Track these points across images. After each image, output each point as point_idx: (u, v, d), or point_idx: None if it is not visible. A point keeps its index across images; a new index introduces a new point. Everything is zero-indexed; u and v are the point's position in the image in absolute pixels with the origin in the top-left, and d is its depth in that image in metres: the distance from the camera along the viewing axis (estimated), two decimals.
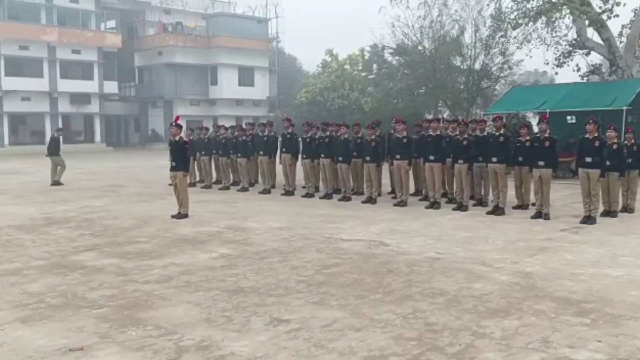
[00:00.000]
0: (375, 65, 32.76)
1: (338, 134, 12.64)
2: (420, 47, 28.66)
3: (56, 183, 16.02)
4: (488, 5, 25.24)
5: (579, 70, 24.08)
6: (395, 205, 11.44)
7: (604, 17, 20.42)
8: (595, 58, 24.56)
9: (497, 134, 10.69)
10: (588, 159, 9.65)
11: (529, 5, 22.31)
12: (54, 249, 7.88)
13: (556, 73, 24.86)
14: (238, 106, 44.81)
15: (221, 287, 5.92)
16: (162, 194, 13.91)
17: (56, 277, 6.41)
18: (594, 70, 23.93)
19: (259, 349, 4.31)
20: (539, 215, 9.98)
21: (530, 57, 25.06)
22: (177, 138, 10.37)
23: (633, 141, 10.88)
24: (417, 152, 11.87)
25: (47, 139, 37.57)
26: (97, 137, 40.91)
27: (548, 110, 16.92)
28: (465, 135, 11.16)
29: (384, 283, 6.03)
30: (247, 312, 5.12)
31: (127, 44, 43.02)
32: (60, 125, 33.44)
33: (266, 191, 13.86)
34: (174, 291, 5.81)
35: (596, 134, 9.78)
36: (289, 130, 13.65)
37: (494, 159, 10.57)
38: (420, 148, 11.73)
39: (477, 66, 27.57)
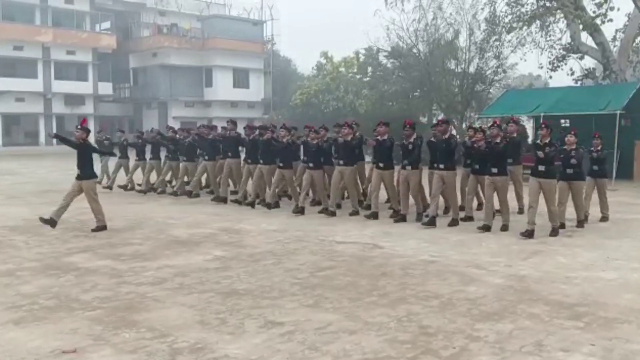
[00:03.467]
0: (370, 68, 32.77)
1: (277, 137, 11.48)
2: (415, 50, 28.70)
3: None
4: (482, 9, 25.31)
5: (573, 74, 24.20)
6: (395, 220, 10.08)
7: (598, 21, 20.51)
8: (589, 62, 24.71)
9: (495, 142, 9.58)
10: (541, 167, 8.80)
11: (523, 9, 22.40)
12: (48, 250, 7.85)
13: (550, 77, 24.96)
14: (233, 108, 44.78)
15: (215, 289, 5.91)
16: (154, 195, 13.88)
17: (50, 278, 6.38)
18: (588, 74, 24.04)
19: (253, 351, 4.31)
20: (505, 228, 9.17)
21: (525, 60, 25.26)
22: (91, 142, 9.39)
23: (600, 148, 10.22)
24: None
25: (42, 139, 37.90)
26: (92, 138, 40.71)
27: (542, 114, 17.02)
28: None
29: (378, 286, 6.04)
30: (241, 315, 5.11)
31: (122, 45, 42.97)
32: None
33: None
34: (168, 293, 5.80)
35: (548, 140, 8.90)
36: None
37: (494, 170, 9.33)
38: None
39: (472, 69, 27.62)
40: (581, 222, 9.56)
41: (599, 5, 20.80)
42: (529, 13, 22.01)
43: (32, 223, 10.04)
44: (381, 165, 10.29)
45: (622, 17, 22.11)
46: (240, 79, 45.10)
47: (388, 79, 30.11)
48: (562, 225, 9.19)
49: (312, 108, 37.25)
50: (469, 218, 9.98)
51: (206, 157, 13.16)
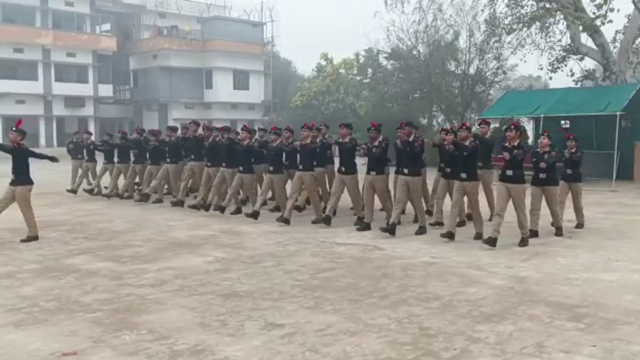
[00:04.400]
0: (370, 70, 32.81)
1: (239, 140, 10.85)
2: (415, 52, 28.73)
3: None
4: (482, 10, 25.36)
5: (572, 75, 24.20)
6: (359, 229, 9.40)
7: (598, 22, 20.51)
8: (589, 63, 24.69)
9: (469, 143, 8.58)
10: (509, 172, 8.11)
11: (523, 11, 22.43)
12: (48, 252, 7.85)
13: (550, 78, 24.96)
14: (233, 110, 44.80)
15: (215, 291, 5.90)
16: (153, 196, 13.87)
17: (50, 280, 6.37)
18: (588, 75, 24.05)
19: (253, 353, 4.30)
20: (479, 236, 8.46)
21: (525, 62, 25.33)
22: (26, 145, 8.70)
23: (574, 150, 9.53)
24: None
25: (43, 141, 37.88)
26: (92, 139, 40.73)
27: (542, 115, 17.03)
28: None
29: (378, 287, 6.03)
30: (241, 317, 5.11)
31: (122, 47, 42.98)
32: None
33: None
34: (168, 295, 5.80)
35: (517, 142, 8.21)
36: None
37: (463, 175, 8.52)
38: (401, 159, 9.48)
39: (472, 71, 27.66)
40: (559, 230, 9.01)
41: (599, 7, 20.80)
42: (528, 14, 22.03)
43: None
44: (342, 169, 9.70)
45: (622, 19, 22.13)
46: (241, 80, 45.10)
47: (388, 81, 30.15)
48: (535, 234, 8.62)
49: (312, 110, 37.29)
50: (438, 223, 9.54)
51: (168, 160, 12.54)
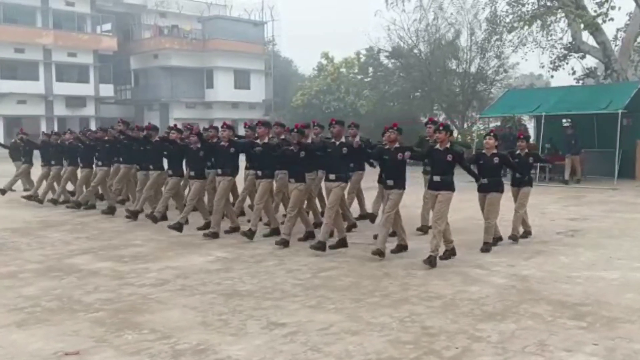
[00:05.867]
0: (371, 69, 32.80)
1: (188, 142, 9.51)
2: (416, 51, 28.72)
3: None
4: (483, 8, 25.36)
5: (574, 73, 24.19)
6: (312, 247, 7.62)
7: (599, 20, 20.48)
8: (590, 61, 24.70)
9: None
10: (436, 178, 7.09)
11: (524, 9, 22.39)
12: (50, 252, 7.85)
13: (552, 76, 24.92)
14: (234, 109, 44.82)
15: (217, 291, 5.90)
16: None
17: (52, 280, 6.38)
18: (589, 73, 24.02)
19: (255, 352, 4.30)
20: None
21: (526, 60, 25.31)
22: None
23: (527, 151, 8.53)
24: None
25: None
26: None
27: (544, 114, 17.01)
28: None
29: (380, 286, 6.03)
30: (243, 316, 5.11)
31: (123, 47, 43.00)
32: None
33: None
34: (170, 295, 5.80)
35: (448, 145, 7.11)
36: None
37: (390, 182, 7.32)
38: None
39: (473, 69, 27.66)
40: (514, 237, 8.16)
41: (600, 5, 20.79)
42: (530, 13, 22.00)
43: (34, 225, 10.06)
44: (258, 173, 8.54)
45: (623, 16, 22.11)
46: (241, 80, 45.12)
47: (389, 80, 30.15)
48: (496, 241, 7.90)
49: (313, 109, 37.26)
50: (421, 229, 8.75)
51: (99, 163, 11.36)
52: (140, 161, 10.47)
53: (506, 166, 8.12)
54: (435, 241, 6.85)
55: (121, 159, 11.04)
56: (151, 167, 10.14)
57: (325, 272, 6.61)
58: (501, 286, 6.02)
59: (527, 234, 8.58)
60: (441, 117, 31.19)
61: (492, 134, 7.99)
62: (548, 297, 5.63)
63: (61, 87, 39.12)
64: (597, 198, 13.33)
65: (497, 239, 8.03)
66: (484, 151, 7.86)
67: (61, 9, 39.47)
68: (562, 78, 24.68)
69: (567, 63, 23.82)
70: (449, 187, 7.03)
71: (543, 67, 24.40)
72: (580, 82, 24.20)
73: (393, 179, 7.25)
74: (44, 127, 38.56)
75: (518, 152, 8.47)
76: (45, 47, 38.41)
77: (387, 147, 7.39)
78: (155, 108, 43.84)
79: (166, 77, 42.57)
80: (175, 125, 10.48)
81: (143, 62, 43.98)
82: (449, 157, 6.99)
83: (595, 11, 20.80)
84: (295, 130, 8.09)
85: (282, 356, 4.23)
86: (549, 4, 21.98)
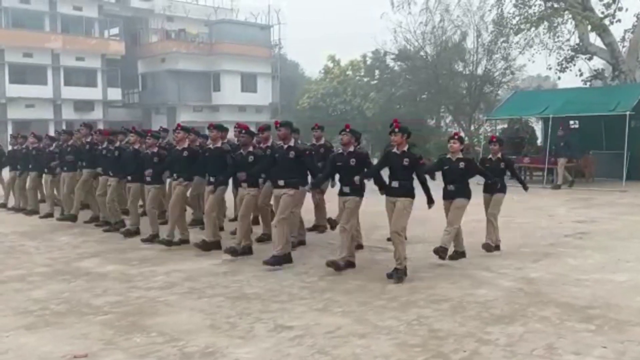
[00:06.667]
0: (377, 71, 32.82)
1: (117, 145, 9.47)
2: (422, 53, 28.71)
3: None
4: (490, 10, 25.30)
5: (581, 75, 24.08)
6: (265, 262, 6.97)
7: (607, 22, 20.41)
8: (597, 63, 24.56)
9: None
10: (395, 184, 6.52)
11: (531, 11, 22.33)
12: (58, 255, 7.90)
13: (559, 78, 24.84)
14: (241, 112, 44.83)
15: (225, 294, 5.92)
16: None
17: (60, 283, 6.41)
18: (597, 75, 23.91)
19: (263, 355, 4.31)
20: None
21: (533, 62, 25.08)
22: None
23: (499, 155, 7.87)
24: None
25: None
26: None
27: (551, 116, 16.94)
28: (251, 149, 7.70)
29: (387, 289, 6.02)
30: (251, 319, 5.12)
31: (130, 51, 43.16)
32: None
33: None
34: (178, 297, 5.82)
35: (406, 148, 6.54)
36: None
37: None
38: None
39: (480, 71, 27.62)
40: (488, 246, 7.58)
41: (607, 6, 20.71)
42: (536, 14, 21.92)
43: (42, 229, 10.12)
44: (211, 180, 8.01)
45: (631, 18, 22.00)
46: (248, 83, 45.20)
47: (395, 82, 30.14)
48: (460, 254, 7.24)
49: (320, 112, 37.27)
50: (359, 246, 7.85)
51: (65, 169, 10.80)
52: (105, 167, 9.76)
53: (473, 172, 7.24)
54: (397, 254, 6.38)
55: (84, 164, 10.43)
56: (110, 173, 9.50)
57: (332, 275, 6.61)
58: (509, 289, 6.00)
59: (495, 248, 7.67)
60: (447, 120, 31.20)
61: (456, 137, 7.24)
62: (556, 299, 5.61)
63: (69, 91, 39.28)
64: (606, 200, 13.27)
65: (461, 254, 7.24)
66: (448, 156, 7.19)
67: (69, 13, 39.66)
68: (570, 80, 24.60)
69: (574, 65, 23.72)
70: (405, 193, 6.42)
71: (550, 68, 24.33)
72: (588, 83, 24.09)
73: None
74: (52, 131, 38.84)
75: (489, 156, 7.91)
76: (54, 51, 38.61)
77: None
78: (162, 112, 43.95)
79: (173, 80, 42.69)
80: (133, 127, 9.73)
81: (150, 65, 44.14)
82: (406, 162, 6.44)
83: (602, 12, 20.73)
84: (244, 131, 7.65)
85: (290, 359, 4.24)
86: (555, 5, 21.91)
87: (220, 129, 8.49)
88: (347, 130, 6.97)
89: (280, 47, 47.76)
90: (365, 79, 36.60)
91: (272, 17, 46.17)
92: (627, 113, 15.39)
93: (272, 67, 46.56)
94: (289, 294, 5.88)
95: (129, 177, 9.06)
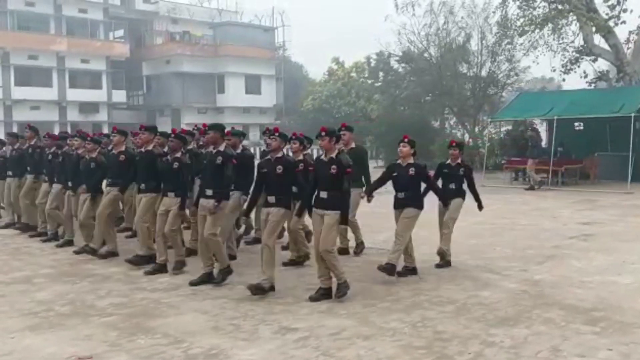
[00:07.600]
0: (381, 73, 32.82)
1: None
2: (426, 55, 28.68)
3: None
4: (494, 12, 25.25)
5: (586, 76, 23.99)
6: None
7: (611, 23, 20.35)
8: (602, 64, 24.47)
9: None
10: (323, 194, 5.84)
11: (535, 13, 22.29)
12: (63, 257, 7.91)
13: (563, 79, 24.76)
14: (245, 114, 44.93)
15: (229, 295, 5.92)
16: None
17: (65, 285, 6.43)
18: (602, 76, 23.83)
19: (267, 357, 4.31)
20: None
21: (537, 63, 25.04)
22: None
23: (459, 160, 7.32)
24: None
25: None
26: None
27: (556, 117, 16.91)
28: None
29: (392, 291, 6.02)
30: (255, 321, 5.12)
31: (135, 53, 43.31)
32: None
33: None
34: (182, 299, 5.82)
35: (334, 154, 5.85)
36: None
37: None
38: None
39: (484, 73, 27.58)
40: (445, 260, 7.14)
41: (612, 8, 20.65)
42: (541, 16, 21.89)
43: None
44: (142, 187, 7.34)
45: (636, 19, 21.93)
46: (252, 85, 45.28)
47: (400, 84, 30.13)
48: (412, 270, 6.74)
49: (324, 113, 37.34)
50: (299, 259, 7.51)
51: (10, 174, 10.18)
52: (49, 173, 9.07)
53: (422, 180, 6.70)
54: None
55: (28, 169, 9.80)
56: (55, 179, 8.82)
57: None
58: (513, 291, 5.99)
59: (446, 263, 7.14)
60: (452, 121, 31.16)
61: (406, 140, 6.60)
62: (561, 301, 5.59)
63: (74, 93, 39.45)
64: (610, 202, 13.23)
65: (411, 270, 6.73)
66: (398, 161, 6.67)
67: (74, 15, 39.85)
68: (574, 81, 24.55)
69: (578, 66, 23.64)
70: (334, 205, 5.73)
71: (555, 70, 24.27)
72: (592, 85, 24.04)
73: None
74: (57, 133, 39.01)
75: (448, 161, 7.33)
76: (59, 53, 38.78)
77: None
78: (166, 114, 44.05)
79: (178, 82, 42.80)
80: (79, 131, 9.16)
81: (155, 68, 44.27)
82: (333, 169, 5.74)
83: (607, 14, 20.68)
84: (174, 135, 7.14)
85: None
86: (560, 7, 21.86)
87: (152, 130, 7.60)
88: (276, 134, 6.27)
89: (284, 49, 47.87)
90: (370, 81, 36.63)
91: (276, 19, 46.31)
92: (632, 115, 15.34)
93: (276, 69, 46.64)
94: (294, 296, 5.88)
95: (70, 184, 8.41)
